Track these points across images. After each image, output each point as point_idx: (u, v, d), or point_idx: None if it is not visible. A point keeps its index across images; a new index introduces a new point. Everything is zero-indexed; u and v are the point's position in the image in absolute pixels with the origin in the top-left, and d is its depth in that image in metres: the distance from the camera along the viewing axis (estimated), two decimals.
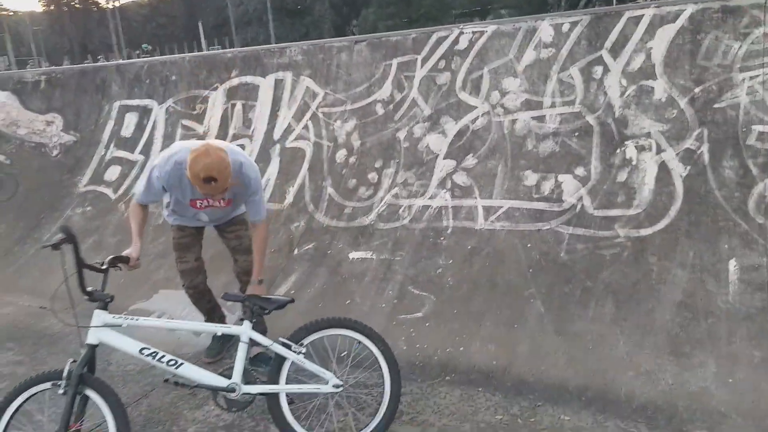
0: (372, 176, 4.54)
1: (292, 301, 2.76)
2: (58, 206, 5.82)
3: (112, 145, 6.02)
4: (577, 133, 3.95)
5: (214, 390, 2.62)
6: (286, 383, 2.66)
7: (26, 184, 6.13)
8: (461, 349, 3.30)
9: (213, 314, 3.50)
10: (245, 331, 2.62)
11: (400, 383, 2.75)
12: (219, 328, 2.86)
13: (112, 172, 5.84)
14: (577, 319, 3.29)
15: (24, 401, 2.47)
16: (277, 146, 5.10)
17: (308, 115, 5.07)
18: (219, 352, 3.50)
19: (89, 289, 2.49)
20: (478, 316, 3.45)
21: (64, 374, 2.39)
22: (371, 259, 4.07)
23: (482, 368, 3.16)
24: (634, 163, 3.73)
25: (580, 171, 3.86)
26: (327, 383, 2.67)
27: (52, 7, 56.01)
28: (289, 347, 2.64)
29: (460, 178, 4.19)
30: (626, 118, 3.83)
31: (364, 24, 38.18)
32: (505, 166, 4.10)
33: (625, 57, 3.91)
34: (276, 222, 4.65)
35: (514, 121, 4.20)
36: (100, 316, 2.52)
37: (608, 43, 3.97)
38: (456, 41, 4.52)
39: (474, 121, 4.33)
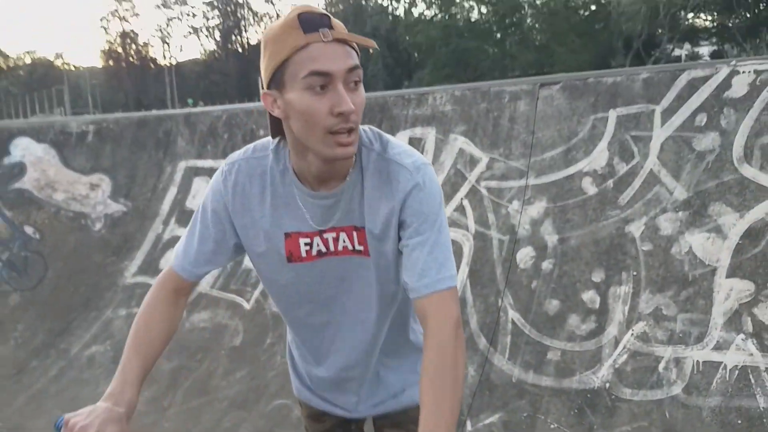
0: (589, 297, 2.80)
1: None
2: (95, 303, 4.24)
3: (172, 221, 4.47)
4: None
5: None
6: None
7: (57, 268, 4.60)
8: None
9: None
10: None
11: None
12: None
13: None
14: None
15: None
16: None
17: (464, 190, 3.43)
18: None
19: None
20: None
21: None
22: None
23: None
24: None
25: None
26: None
27: (110, 63, 57.71)
28: None
29: None
30: None
31: (417, 86, 37.31)
32: None
33: None
34: None
35: None
36: None
37: None
38: (726, 84, 2.85)
39: None
